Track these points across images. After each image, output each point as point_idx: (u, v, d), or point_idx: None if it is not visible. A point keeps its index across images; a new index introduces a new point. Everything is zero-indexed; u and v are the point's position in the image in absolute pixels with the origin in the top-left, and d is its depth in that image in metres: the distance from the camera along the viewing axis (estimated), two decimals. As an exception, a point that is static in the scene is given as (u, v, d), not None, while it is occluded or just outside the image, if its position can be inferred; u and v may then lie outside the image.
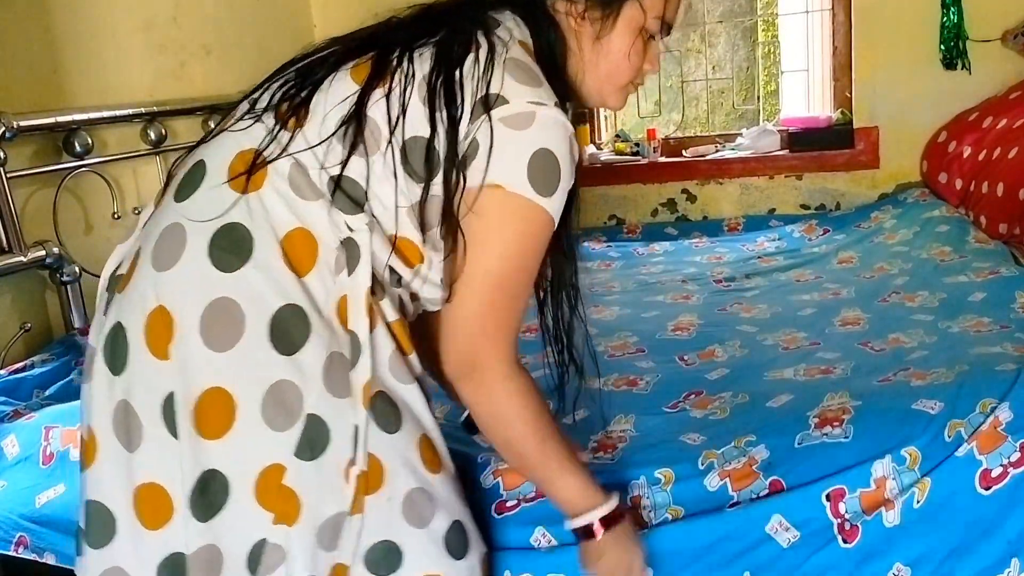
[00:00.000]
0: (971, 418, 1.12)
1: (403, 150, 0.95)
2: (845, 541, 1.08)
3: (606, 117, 3.17)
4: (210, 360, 0.90)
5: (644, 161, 2.96)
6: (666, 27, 1.06)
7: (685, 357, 1.62)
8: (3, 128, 1.69)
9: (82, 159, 1.93)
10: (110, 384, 0.94)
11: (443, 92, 0.95)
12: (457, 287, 0.98)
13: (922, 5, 2.60)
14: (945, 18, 2.58)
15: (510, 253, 0.96)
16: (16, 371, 1.67)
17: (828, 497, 1.09)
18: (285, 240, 0.93)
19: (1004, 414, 1.09)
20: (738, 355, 1.61)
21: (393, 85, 0.97)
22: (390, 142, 0.95)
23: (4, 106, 1.73)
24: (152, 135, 2.14)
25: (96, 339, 0.97)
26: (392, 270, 0.96)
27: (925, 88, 2.66)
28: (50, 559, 1.41)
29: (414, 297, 1.00)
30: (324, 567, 0.92)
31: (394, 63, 0.99)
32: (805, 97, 3.10)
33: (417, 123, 0.95)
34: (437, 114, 0.95)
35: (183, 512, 0.91)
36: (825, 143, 2.81)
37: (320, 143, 0.95)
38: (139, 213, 2.17)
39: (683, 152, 2.97)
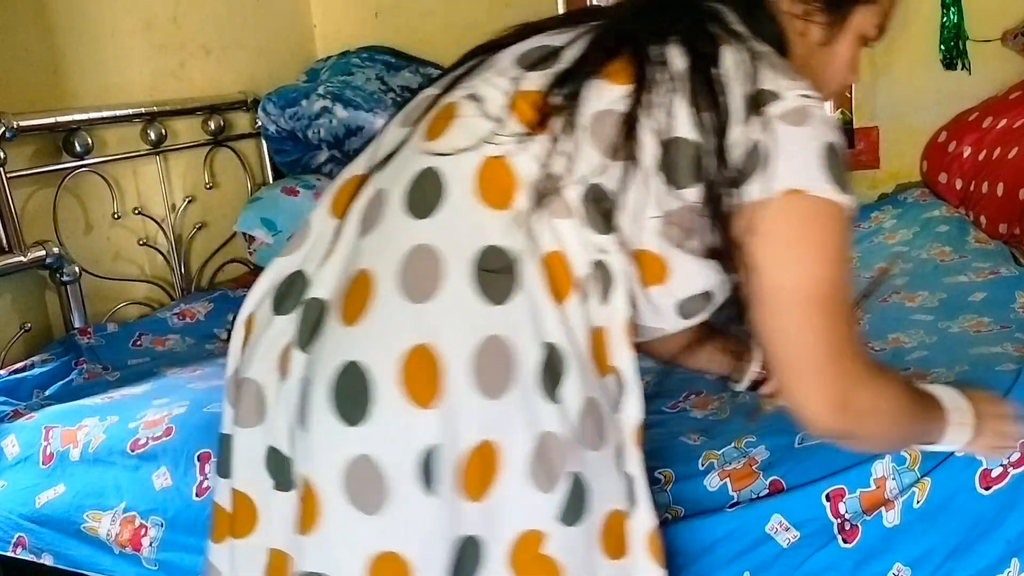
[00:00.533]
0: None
1: (664, 154, 0.82)
2: (845, 541, 1.08)
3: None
4: (483, 409, 0.77)
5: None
6: (879, 32, 1.00)
7: (685, 357, 1.62)
8: (3, 128, 1.70)
9: (82, 159, 1.94)
10: (342, 435, 0.77)
11: (707, 91, 0.82)
12: (780, 328, 0.83)
13: (922, 5, 2.60)
14: (945, 18, 2.58)
15: (830, 265, 0.82)
16: (16, 371, 1.67)
17: (828, 497, 1.09)
18: (544, 264, 0.81)
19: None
20: (738, 355, 1.61)
21: (654, 84, 0.83)
22: (651, 146, 0.82)
23: (4, 106, 1.73)
24: (152, 135, 2.14)
25: (312, 374, 0.80)
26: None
27: (925, 88, 2.66)
28: (48, 560, 1.41)
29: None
30: None
31: (649, 60, 0.85)
32: (805, 97, 3.10)
33: (681, 125, 0.82)
34: (704, 114, 0.82)
35: None
36: (825, 143, 2.81)
37: (568, 147, 0.82)
38: (140, 213, 2.19)
39: (683, 152, 2.97)
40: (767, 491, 1.12)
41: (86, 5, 2.02)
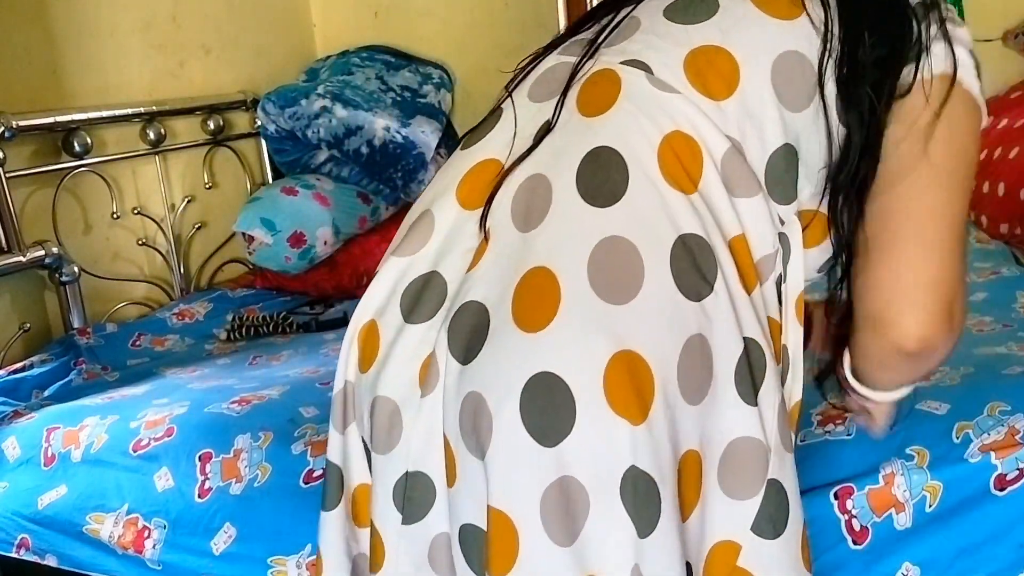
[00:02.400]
0: (979, 420, 1.11)
1: (842, 81, 0.75)
2: (855, 543, 1.07)
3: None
4: (689, 416, 0.70)
5: (644, 161, 2.95)
6: None
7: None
8: (2, 128, 1.69)
9: (81, 159, 1.93)
10: (537, 455, 0.68)
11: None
12: (914, 225, 0.76)
13: (922, 5, 2.60)
14: (945, 18, 2.58)
15: (970, 165, 0.77)
16: (15, 371, 1.67)
17: (836, 495, 1.08)
18: (732, 250, 0.74)
19: (1020, 422, 1.08)
20: (740, 355, 1.60)
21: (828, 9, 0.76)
22: (830, 85, 0.75)
23: (3, 106, 1.73)
24: (151, 135, 2.14)
25: (484, 388, 0.70)
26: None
27: (925, 88, 2.66)
28: (51, 561, 1.41)
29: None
30: None
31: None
32: (805, 97, 3.10)
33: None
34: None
35: None
36: (825, 143, 2.81)
37: (755, 110, 0.74)
38: (139, 213, 2.18)
39: (683, 152, 2.96)
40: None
41: (86, 5, 2.02)
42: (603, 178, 0.73)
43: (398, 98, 2.61)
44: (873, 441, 1.13)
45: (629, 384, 0.68)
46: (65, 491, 1.40)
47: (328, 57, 2.86)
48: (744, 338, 0.72)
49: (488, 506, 0.70)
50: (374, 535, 0.79)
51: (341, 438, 0.83)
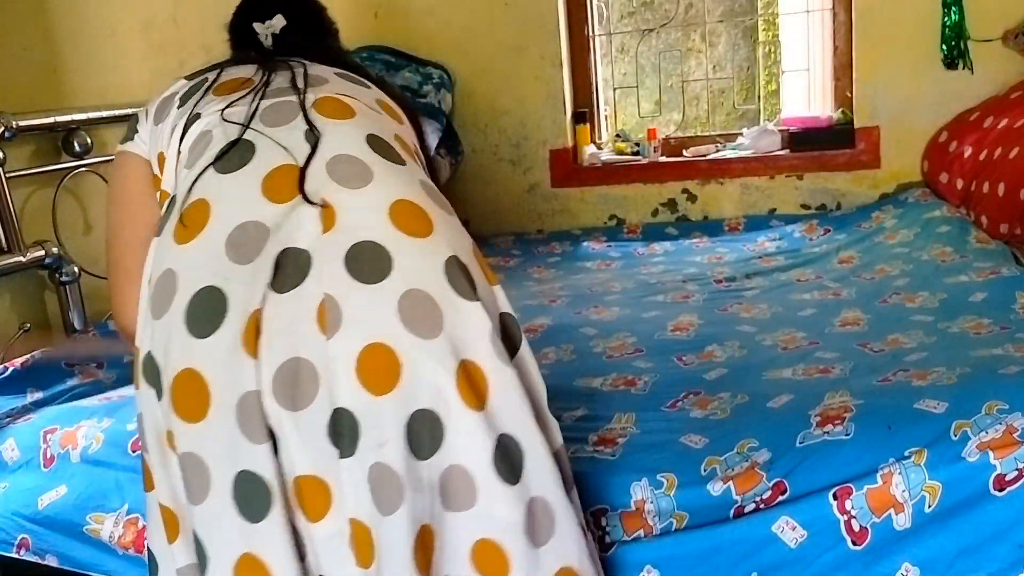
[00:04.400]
0: (977, 419, 1.11)
1: None
2: (854, 543, 1.07)
3: (606, 117, 3.16)
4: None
5: (644, 161, 2.96)
6: None
7: (684, 357, 1.62)
8: (2, 128, 1.69)
9: (81, 159, 1.93)
10: (486, 424, 0.88)
11: None
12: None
13: (923, 5, 2.60)
14: (946, 18, 2.58)
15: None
16: (13, 371, 1.67)
17: (835, 496, 1.08)
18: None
19: (1019, 421, 1.08)
20: (737, 355, 1.61)
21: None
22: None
23: (4, 106, 1.73)
24: (152, 135, 2.14)
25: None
26: None
27: (926, 88, 2.66)
28: (52, 561, 1.41)
29: None
30: None
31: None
32: (806, 97, 3.10)
33: None
34: None
35: None
36: (826, 143, 2.81)
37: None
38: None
39: (683, 152, 2.97)
40: (770, 492, 1.11)
41: (86, 5, 2.02)
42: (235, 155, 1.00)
43: (398, 98, 2.61)
44: (871, 441, 1.13)
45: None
46: (65, 491, 1.41)
47: (328, 57, 2.86)
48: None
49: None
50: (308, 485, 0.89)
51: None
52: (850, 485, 1.08)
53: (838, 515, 1.08)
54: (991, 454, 1.06)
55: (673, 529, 1.12)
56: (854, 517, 1.07)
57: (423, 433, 0.85)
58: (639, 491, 1.13)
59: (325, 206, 0.92)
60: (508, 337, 0.93)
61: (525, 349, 0.96)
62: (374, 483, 0.84)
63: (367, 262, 0.88)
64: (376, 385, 0.84)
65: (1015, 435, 1.07)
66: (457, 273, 0.90)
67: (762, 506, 1.11)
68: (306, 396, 0.85)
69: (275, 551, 0.85)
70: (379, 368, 0.84)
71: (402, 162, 1.00)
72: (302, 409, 0.85)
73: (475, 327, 0.89)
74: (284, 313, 0.86)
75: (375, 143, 1.00)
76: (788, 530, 1.08)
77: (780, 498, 1.11)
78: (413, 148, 1.09)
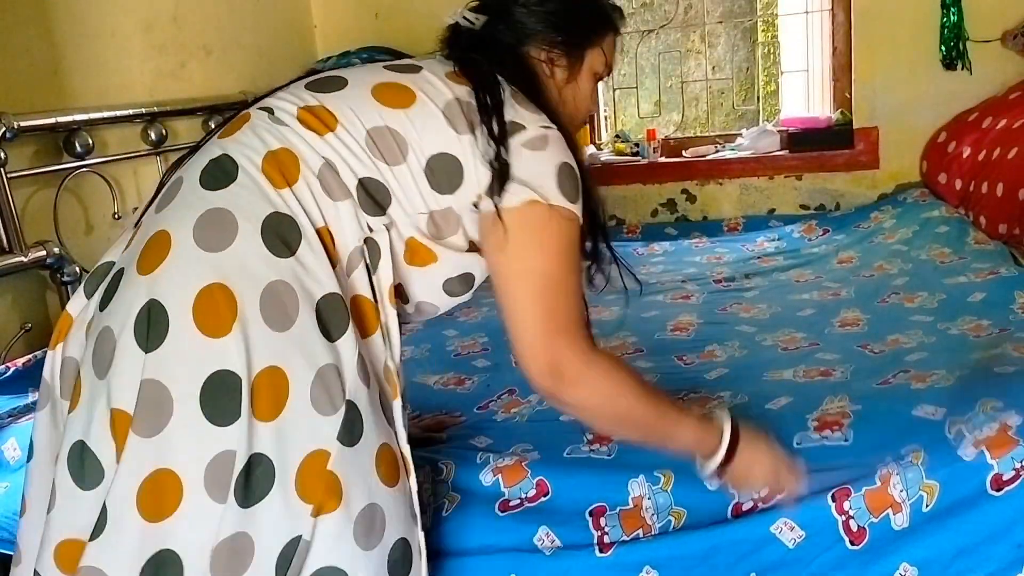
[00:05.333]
0: (972, 417, 1.11)
1: (428, 163, 1.03)
2: (852, 543, 1.07)
3: (606, 118, 3.17)
4: (270, 340, 0.91)
5: (644, 161, 2.96)
6: (608, 70, 1.23)
7: (684, 357, 1.62)
8: (4, 128, 1.70)
9: (82, 159, 1.94)
10: (140, 362, 0.89)
11: (467, 117, 1.05)
12: (509, 304, 1.02)
13: (922, 5, 2.60)
14: (945, 18, 2.58)
15: (556, 255, 1.02)
16: (14, 371, 1.67)
17: (833, 496, 1.08)
18: (320, 234, 0.98)
19: (1013, 419, 1.09)
20: (737, 355, 1.61)
21: (418, 105, 1.05)
22: (416, 155, 1.02)
23: (5, 106, 1.73)
24: (152, 135, 2.14)
25: (115, 322, 0.92)
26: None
27: (925, 88, 2.66)
28: (51, 559, 1.41)
29: (404, 301, 1.08)
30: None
31: (417, 85, 1.07)
32: (805, 97, 3.11)
33: (442, 140, 1.03)
34: (466, 136, 1.04)
35: (212, 496, 0.87)
36: (825, 143, 2.81)
37: (349, 148, 1.01)
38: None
39: (683, 152, 2.97)
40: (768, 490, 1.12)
41: (86, 5, 2.02)
42: (219, 174, 0.98)
43: (398, 98, 2.62)
44: (872, 446, 1.13)
45: (218, 308, 0.90)
46: (66, 490, 1.41)
47: (329, 58, 2.87)
48: (327, 293, 0.95)
49: (110, 408, 0.90)
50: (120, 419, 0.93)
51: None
52: (848, 486, 1.09)
53: (836, 515, 1.08)
54: (987, 454, 1.07)
55: (672, 527, 1.12)
56: (852, 517, 1.08)
57: None
58: (636, 488, 1.14)
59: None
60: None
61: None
62: None
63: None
64: None
65: (1009, 432, 1.08)
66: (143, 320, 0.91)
67: (760, 504, 1.11)
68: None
69: None
70: None
71: (223, 185, 0.98)
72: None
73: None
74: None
75: (212, 168, 1.00)
76: (786, 530, 1.08)
77: (779, 496, 1.11)
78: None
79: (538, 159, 1.03)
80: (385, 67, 1.12)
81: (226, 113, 2.41)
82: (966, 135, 2.53)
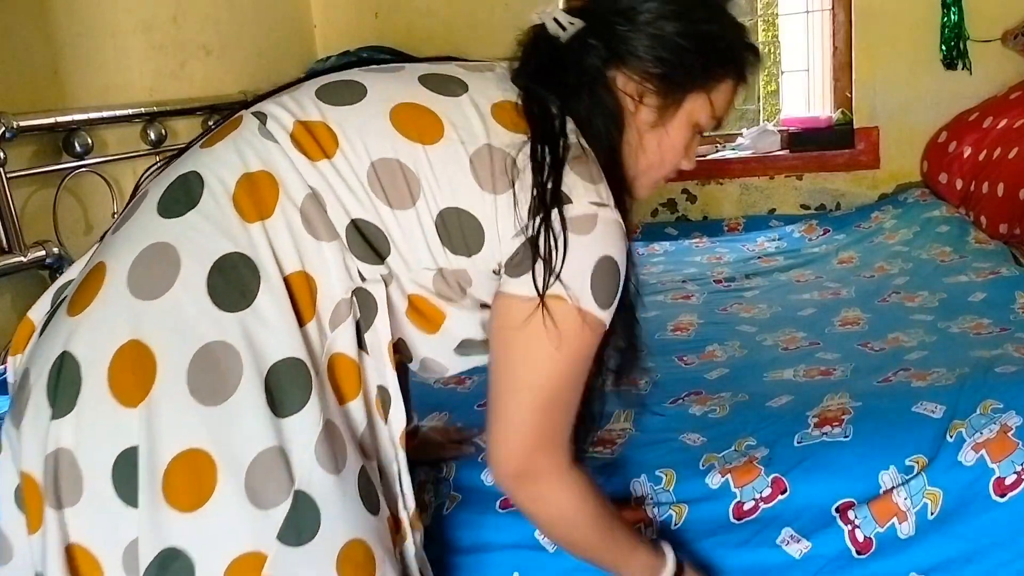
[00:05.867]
0: (972, 419, 1.11)
1: (441, 215, 0.86)
2: (859, 552, 1.07)
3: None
4: (196, 414, 0.76)
5: (644, 161, 2.96)
6: (716, 123, 1.00)
7: (684, 358, 1.62)
8: (3, 128, 1.69)
9: (82, 159, 1.93)
10: (46, 427, 0.77)
11: (499, 173, 0.86)
12: (501, 395, 0.89)
13: (922, 5, 2.60)
14: (945, 18, 2.58)
15: (566, 365, 0.88)
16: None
17: (838, 508, 1.08)
18: (290, 280, 0.82)
19: (1012, 420, 1.08)
20: (738, 355, 1.61)
21: (443, 143, 0.87)
22: (428, 202, 0.86)
23: (4, 106, 1.73)
24: (152, 135, 2.14)
25: (35, 367, 0.80)
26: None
27: (925, 88, 2.66)
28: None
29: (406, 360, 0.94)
30: None
31: (448, 117, 0.88)
32: (805, 97, 3.10)
33: (463, 194, 0.86)
34: (490, 196, 0.86)
35: None
36: (825, 143, 2.81)
37: (344, 181, 0.85)
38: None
39: (683, 152, 2.97)
40: (770, 490, 1.11)
41: (86, 5, 2.02)
42: (181, 196, 0.84)
43: (398, 98, 2.61)
44: (871, 444, 1.13)
45: (134, 371, 0.76)
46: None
47: (328, 57, 2.87)
48: (284, 358, 0.79)
49: (19, 470, 0.79)
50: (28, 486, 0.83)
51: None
52: (851, 499, 1.08)
53: (842, 525, 1.07)
54: (988, 458, 1.06)
55: (673, 523, 1.11)
56: (858, 527, 1.07)
57: None
58: (638, 488, 1.14)
59: None
60: None
61: None
62: None
63: None
64: None
65: (1009, 434, 1.07)
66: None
67: (762, 504, 1.11)
68: None
69: None
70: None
71: (181, 213, 0.84)
72: None
73: None
74: None
75: (174, 188, 0.87)
76: (792, 543, 1.07)
77: (780, 497, 1.11)
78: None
79: (576, 246, 0.84)
80: (423, 77, 0.92)
81: (225, 113, 2.41)
82: (967, 135, 2.52)
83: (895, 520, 1.06)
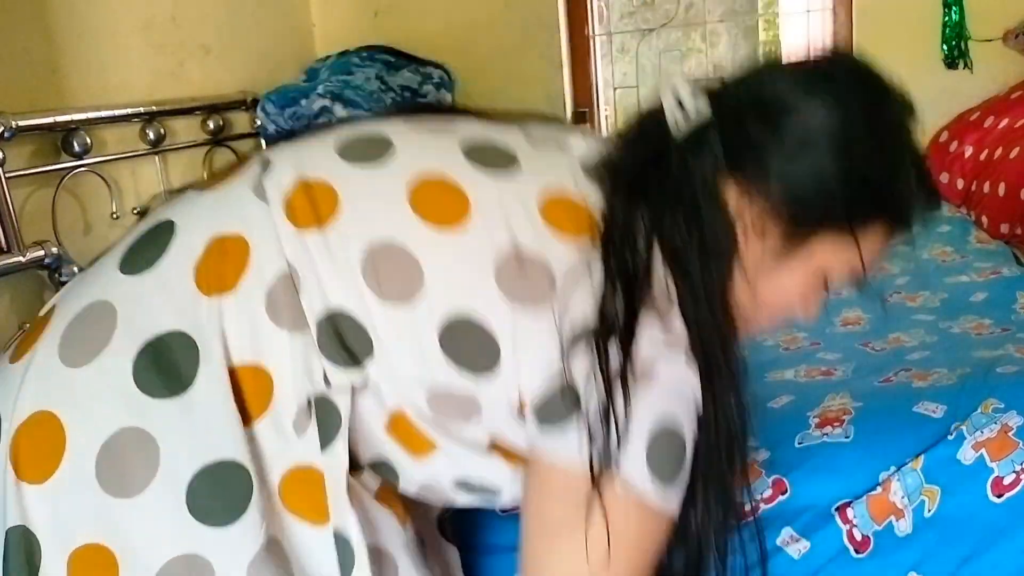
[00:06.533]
0: (973, 418, 1.11)
1: (447, 320, 0.69)
2: (857, 551, 1.06)
3: (606, 117, 3.16)
4: (99, 508, 0.66)
5: (644, 161, 2.95)
6: (856, 280, 0.80)
7: (685, 357, 1.61)
8: (2, 128, 1.69)
9: (81, 159, 1.93)
10: None
11: (532, 284, 0.68)
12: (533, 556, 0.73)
13: (923, 4, 2.59)
14: (947, 17, 2.58)
15: (621, 562, 0.68)
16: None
17: (837, 508, 1.08)
18: (239, 373, 0.69)
19: (1013, 419, 1.08)
20: (738, 355, 1.60)
21: (467, 233, 0.69)
22: (431, 302, 0.69)
23: (3, 106, 1.73)
24: (151, 135, 2.14)
25: None
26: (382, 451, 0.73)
27: (926, 88, 2.64)
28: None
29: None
30: None
31: (482, 203, 0.70)
32: (806, 97, 3.09)
33: (480, 301, 0.68)
34: (516, 309, 0.68)
35: None
36: (826, 143, 2.81)
37: (332, 258, 0.70)
38: (138, 213, 2.19)
39: (684, 152, 2.96)
40: (770, 491, 1.11)
41: (85, 5, 2.02)
42: (146, 250, 0.73)
43: (398, 98, 2.61)
44: (872, 444, 1.12)
45: (42, 447, 0.67)
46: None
47: (328, 57, 2.86)
48: (218, 460, 0.67)
49: None
50: None
51: None
52: (849, 498, 1.08)
53: (840, 525, 1.07)
54: (987, 457, 1.06)
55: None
56: (856, 526, 1.07)
57: None
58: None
59: None
60: None
61: None
62: None
63: None
64: None
65: (1009, 434, 1.07)
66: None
67: (763, 504, 1.10)
68: None
69: None
70: None
71: (142, 269, 0.74)
72: None
73: None
74: None
75: (147, 237, 0.77)
76: (792, 543, 1.07)
77: (781, 497, 1.10)
78: None
79: (636, 402, 0.65)
80: (470, 146, 0.74)
81: (226, 114, 2.41)
82: (968, 134, 2.52)
83: (892, 518, 1.06)
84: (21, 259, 1.75)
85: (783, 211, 0.72)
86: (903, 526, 1.06)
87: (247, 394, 0.69)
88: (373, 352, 0.70)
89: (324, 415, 0.69)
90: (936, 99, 2.63)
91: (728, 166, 0.71)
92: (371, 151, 0.74)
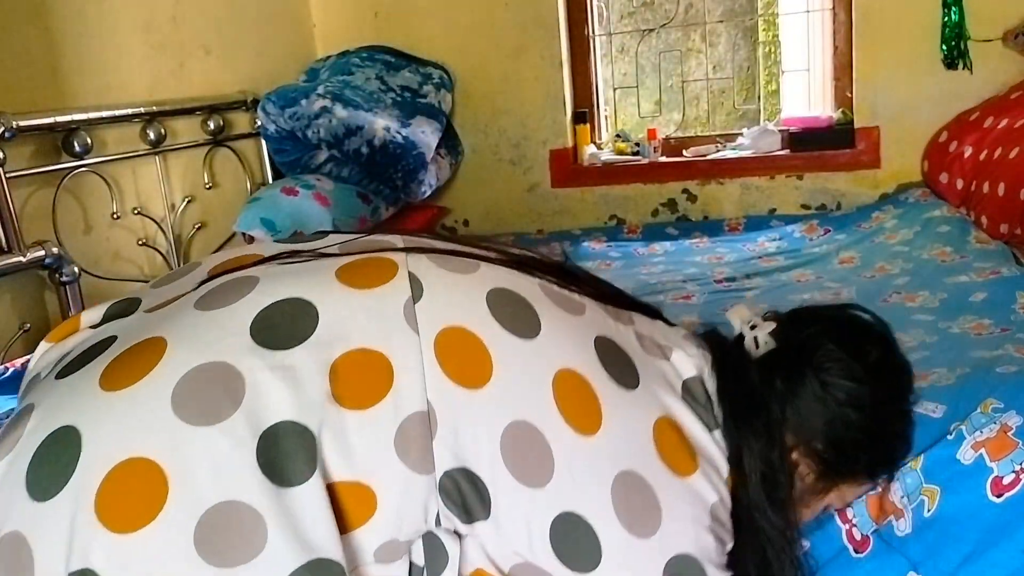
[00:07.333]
0: (972, 417, 1.11)
1: (561, 516, 0.73)
2: (856, 551, 1.06)
3: (606, 117, 3.16)
4: (198, 573, 0.64)
5: (644, 161, 2.95)
6: (840, 507, 1.02)
7: (685, 357, 1.61)
8: (2, 128, 1.69)
9: (81, 159, 1.93)
10: (8, 500, 0.66)
11: (646, 507, 0.75)
12: None
13: (923, 5, 2.60)
14: (946, 18, 2.58)
15: None
16: (14, 371, 1.67)
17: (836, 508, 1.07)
18: (337, 487, 0.69)
19: (1013, 419, 1.08)
20: (739, 355, 1.60)
21: (599, 437, 0.74)
22: (552, 495, 0.72)
23: (3, 106, 1.73)
24: (151, 135, 2.14)
25: (39, 410, 0.70)
26: None
27: (926, 88, 2.65)
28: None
29: None
30: None
31: (616, 411, 0.76)
32: (806, 97, 3.09)
33: (593, 508, 0.73)
34: (632, 540, 0.73)
35: None
36: (826, 143, 2.81)
37: (473, 420, 0.72)
38: (139, 213, 2.18)
39: (683, 152, 2.96)
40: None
41: (86, 5, 2.02)
42: (279, 321, 0.72)
43: (398, 98, 2.61)
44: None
45: (130, 492, 0.64)
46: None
47: (328, 57, 2.86)
48: (323, 558, 0.66)
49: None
50: None
51: None
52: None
53: (840, 524, 1.07)
54: (987, 456, 1.06)
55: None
56: (855, 526, 1.07)
57: None
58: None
59: None
60: None
61: None
62: None
63: None
64: None
65: (1009, 434, 1.07)
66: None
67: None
68: None
69: None
70: None
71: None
72: None
73: None
74: None
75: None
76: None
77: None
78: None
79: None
80: (602, 345, 0.79)
81: (226, 114, 2.41)
82: (967, 135, 2.52)
83: (892, 518, 1.06)
84: (21, 259, 1.75)
85: (822, 461, 0.90)
86: (903, 526, 1.06)
87: (346, 505, 0.69)
88: (488, 516, 0.72)
89: (433, 552, 0.72)
90: (936, 99, 2.64)
91: (788, 409, 0.87)
92: (522, 321, 0.75)
